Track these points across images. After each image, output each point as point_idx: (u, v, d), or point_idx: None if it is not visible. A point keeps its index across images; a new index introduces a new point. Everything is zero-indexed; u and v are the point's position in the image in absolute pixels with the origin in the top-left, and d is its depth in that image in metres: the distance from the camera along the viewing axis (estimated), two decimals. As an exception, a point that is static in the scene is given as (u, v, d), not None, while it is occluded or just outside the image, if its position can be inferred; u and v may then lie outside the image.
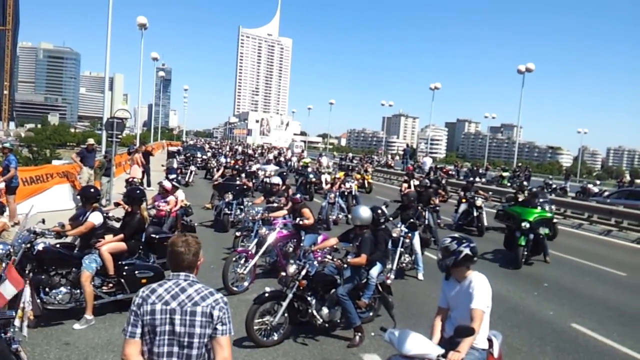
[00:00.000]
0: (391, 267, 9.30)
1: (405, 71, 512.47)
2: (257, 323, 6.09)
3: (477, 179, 27.09)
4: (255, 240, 9.00)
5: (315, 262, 6.56)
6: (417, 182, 17.51)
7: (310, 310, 6.34)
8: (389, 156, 60.43)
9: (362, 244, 6.73)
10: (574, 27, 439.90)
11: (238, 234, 10.17)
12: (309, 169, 25.25)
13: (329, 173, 23.99)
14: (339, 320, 6.59)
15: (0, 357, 3.82)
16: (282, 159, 41.45)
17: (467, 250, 4.03)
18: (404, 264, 9.86)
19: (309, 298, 6.36)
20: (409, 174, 21.70)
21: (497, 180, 31.06)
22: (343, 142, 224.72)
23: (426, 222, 12.01)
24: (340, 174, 21.12)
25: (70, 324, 6.37)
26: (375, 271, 6.91)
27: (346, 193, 17.37)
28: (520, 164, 47.66)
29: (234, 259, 8.35)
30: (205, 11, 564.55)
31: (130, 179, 11.39)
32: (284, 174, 14.46)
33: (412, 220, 10.27)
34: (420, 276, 9.99)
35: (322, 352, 6.17)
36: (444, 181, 24.28)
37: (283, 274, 6.42)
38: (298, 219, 9.38)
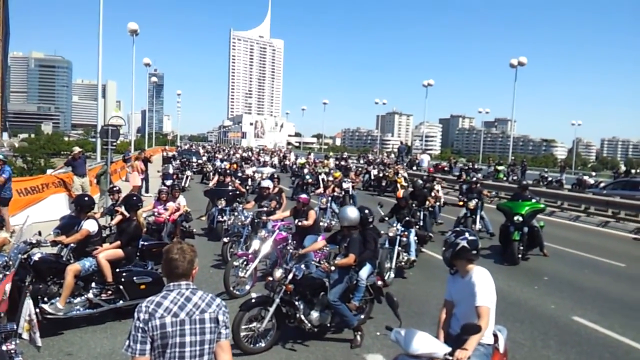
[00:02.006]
0: (390, 266, 9.28)
1: (398, 69, 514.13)
2: (244, 329, 5.93)
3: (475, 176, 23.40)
4: (258, 243, 8.88)
5: (302, 266, 6.42)
6: (443, 184, 16.40)
7: (298, 315, 6.20)
8: (385, 154, 60.22)
9: (351, 244, 6.58)
10: (566, 20, 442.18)
11: (226, 240, 9.96)
12: (305, 170, 25.09)
13: (326, 173, 23.39)
14: (329, 324, 6.50)
15: (2, 370, 3.78)
16: (287, 162, 40.35)
17: (463, 243, 4.02)
18: (402, 263, 9.79)
19: (296, 302, 6.21)
20: (429, 177, 20.26)
21: (492, 175, 31.03)
22: (338, 142, 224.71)
23: (421, 222, 11.87)
24: (337, 174, 20.54)
25: (72, 334, 6.33)
26: (364, 272, 6.78)
27: (342, 194, 17.10)
28: (513, 157, 47.50)
29: (235, 262, 8.28)
30: (195, 15, 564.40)
31: (110, 188, 11.21)
32: (275, 176, 14.24)
33: (407, 218, 10.26)
34: (412, 257, 10.00)
35: (325, 353, 6.13)
36: (480, 187, 21.03)
37: (270, 278, 6.29)
38: (297, 220, 9.33)
